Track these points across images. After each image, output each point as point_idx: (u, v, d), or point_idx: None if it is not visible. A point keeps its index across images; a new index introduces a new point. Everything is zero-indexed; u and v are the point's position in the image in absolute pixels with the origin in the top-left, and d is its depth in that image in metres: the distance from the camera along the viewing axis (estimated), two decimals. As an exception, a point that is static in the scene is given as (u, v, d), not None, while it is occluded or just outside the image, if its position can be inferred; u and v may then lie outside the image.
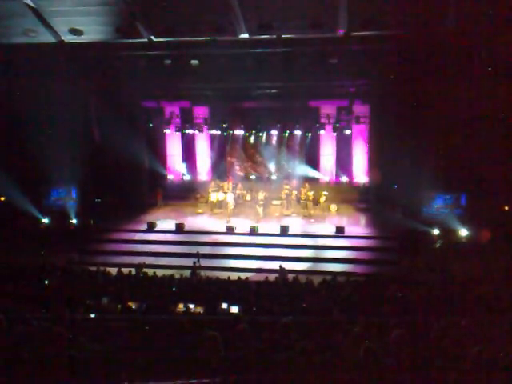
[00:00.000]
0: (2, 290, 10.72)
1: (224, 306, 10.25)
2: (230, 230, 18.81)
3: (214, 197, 21.53)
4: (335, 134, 22.68)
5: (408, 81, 17.16)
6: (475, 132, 16.80)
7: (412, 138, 17.40)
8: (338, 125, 21.97)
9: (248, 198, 21.90)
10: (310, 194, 21.23)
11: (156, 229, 19.45)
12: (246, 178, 24.80)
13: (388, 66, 16.60)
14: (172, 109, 23.69)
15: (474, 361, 5.56)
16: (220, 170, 24.79)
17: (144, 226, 19.60)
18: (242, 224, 19.37)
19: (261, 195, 21.09)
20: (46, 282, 12.43)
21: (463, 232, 17.60)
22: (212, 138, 24.82)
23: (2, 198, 20.40)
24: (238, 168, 25.21)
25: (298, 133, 23.04)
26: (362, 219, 20.78)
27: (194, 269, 14.71)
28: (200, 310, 10.20)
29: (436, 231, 17.82)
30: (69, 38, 15.31)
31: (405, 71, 16.63)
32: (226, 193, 21.81)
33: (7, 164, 18.16)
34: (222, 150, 25.12)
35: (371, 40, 15.38)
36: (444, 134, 17.29)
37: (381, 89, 18.98)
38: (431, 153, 17.49)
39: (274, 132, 23.30)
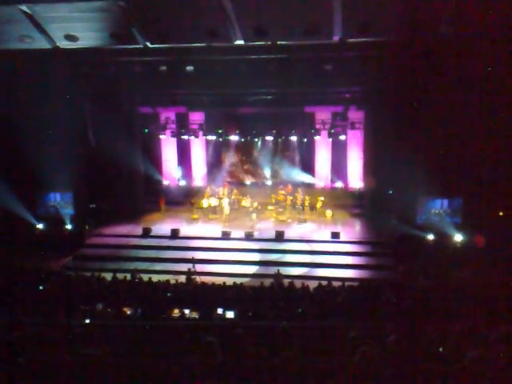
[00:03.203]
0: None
1: (220, 311, 10.25)
2: (226, 236, 18.81)
3: (206, 203, 21.52)
4: (330, 139, 22.76)
5: (403, 86, 17.25)
6: (471, 137, 16.86)
7: (407, 143, 17.44)
8: (333, 130, 22.05)
9: (243, 203, 21.91)
10: (307, 199, 21.31)
11: (151, 234, 19.42)
12: (242, 183, 24.85)
13: (383, 72, 16.70)
14: (167, 114, 23.74)
15: (471, 365, 5.59)
16: (215, 175, 24.82)
17: (139, 232, 19.56)
18: (237, 229, 19.36)
19: (256, 200, 21.10)
20: (41, 288, 12.38)
21: (458, 237, 17.64)
22: (207, 143, 24.87)
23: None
24: (233, 173, 25.25)
25: (293, 138, 23.10)
26: (357, 225, 20.84)
27: (190, 274, 14.69)
28: (195, 315, 10.19)
29: (431, 236, 17.85)
30: (64, 44, 15.32)
31: (400, 77, 16.73)
32: (221, 198, 21.82)
33: (2, 169, 18.10)
34: (217, 156, 25.18)
35: (366, 46, 15.47)
36: (439, 139, 17.36)
37: (376, 95, 19.08)
38: (426, 158, 17.54)
39: (270, 138, 23.35)
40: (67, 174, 19.21)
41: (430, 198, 19.05)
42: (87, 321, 8.88)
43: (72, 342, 6.66)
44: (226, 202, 21.20)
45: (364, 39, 14.78)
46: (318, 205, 21.42)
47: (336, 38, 14.67)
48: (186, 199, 23.45)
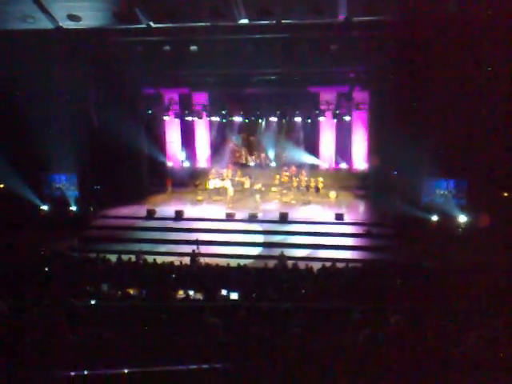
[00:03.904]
0: (3, 277, 10.76)
1: (223, 292, 10.32)
2: (230, 217, 18.84)
3: (212, 184, 21.49)
4: (335, 120, 22.55)
5: (408, 67, 17.04)
6: (476, 118, 16.70)
7: (412, 124, 17.30)
8: (337, 111, 21.84)
9: (247, 184, 21.88)
10: (311, 180, 21.28)
11: (156, 216, 19.47)
12: (246, 164, 24.75)
13: (388, 52, 16.47)
14: (171, 95, 23.55)
15: (473, 346, 5.62)
16: (219, 156, 24.72)
17: (144, 213, 19.62)
18: (241, 211, 19.37)
19: (260, 182, 21.03)
20: (47, 269, 12.47)
21: (463, 219, 17.60)
22: (211, 124, 24.71)
23: (1, 185, 20.34)
24: (237, 155, 25.14)
25: (297, 119, 22.90)
26: (362, 206, 20.80)
27: (194, 256, 14.74)
28: (200, 296, 10.27)
29: (435, 218, 17.80)
30: (67, 24, 15.16)
31: (405, 57, 16.52)
32: (224, 180, 21.79)
33: (6, 151, 18.10)
34: (221, 137, 25.04)
35: (372, 26, 15.25)
36: (444, 120, 17.19)
37: (381, 75, 18.85)
38: (431, 139, 17.41)
39: (274, 118, 23.16)
40: (72, 155, 19.21)
41: (435, 179, 18.94)
42: (92, 302, 8.98)
43: (77, 323, 6.73)
44: (229, 183, 21.18)
45: (369, 18, 14.57)
46: (320, 185, 21.35)
47: (341, 17, 14.45)
48: (190, 181, 23.41)
